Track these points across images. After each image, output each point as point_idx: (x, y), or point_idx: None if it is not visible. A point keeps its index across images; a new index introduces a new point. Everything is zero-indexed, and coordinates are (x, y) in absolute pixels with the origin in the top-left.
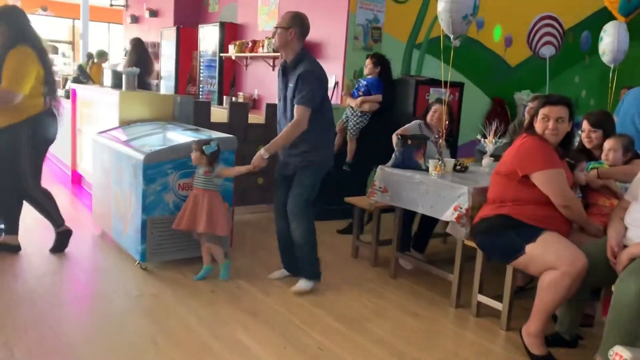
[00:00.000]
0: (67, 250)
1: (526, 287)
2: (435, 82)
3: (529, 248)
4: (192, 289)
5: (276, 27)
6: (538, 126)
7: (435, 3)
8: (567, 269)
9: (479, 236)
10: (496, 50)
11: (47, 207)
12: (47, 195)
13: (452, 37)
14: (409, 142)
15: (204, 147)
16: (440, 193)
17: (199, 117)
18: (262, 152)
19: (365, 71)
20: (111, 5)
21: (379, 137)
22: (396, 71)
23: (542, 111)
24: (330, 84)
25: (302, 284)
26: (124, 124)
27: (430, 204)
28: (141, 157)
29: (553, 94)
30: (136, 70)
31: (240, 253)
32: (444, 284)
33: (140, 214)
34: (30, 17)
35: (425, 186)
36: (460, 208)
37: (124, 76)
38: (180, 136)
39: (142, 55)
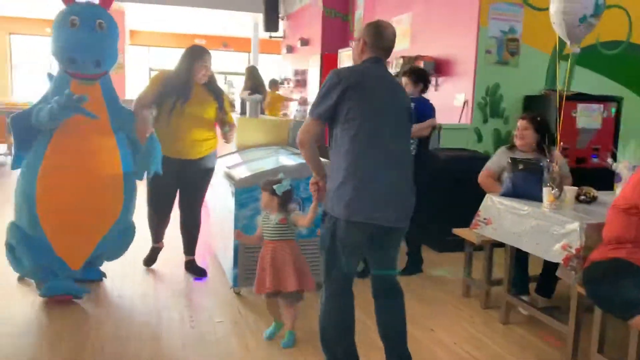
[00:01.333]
0: (173, 269)
1: None
2: (586, 97)
3: None
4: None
5: (351, 41)
6: None
7: None
8: None
9: (589, 284)
10: None
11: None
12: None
13: (568, 43)
14: (521, 166)
15: (275, 187)
16: (548, 228)
17: None
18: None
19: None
20: (270, 37)
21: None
22: (539, 85)
23: None
24: (459, 102)
25: None
26: (242, 148)
27: (536, 240)
28: (234, 181)
29: None
30: (259, 97)
31: None
32: (561, 336)
33: (232, 238)
34: (214, 52)
35: (534, 220)
36: (570, 247)
37: (247, 103)
38: (283, 161)
39: (255, 82)
